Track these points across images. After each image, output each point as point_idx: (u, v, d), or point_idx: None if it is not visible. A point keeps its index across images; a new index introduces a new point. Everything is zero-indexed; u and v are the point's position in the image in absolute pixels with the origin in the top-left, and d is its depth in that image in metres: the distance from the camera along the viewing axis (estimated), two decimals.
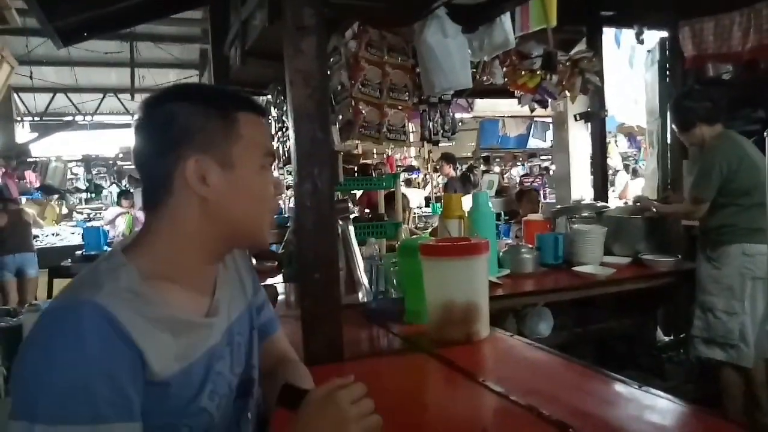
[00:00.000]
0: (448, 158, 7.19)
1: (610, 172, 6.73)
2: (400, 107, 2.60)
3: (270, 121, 3.84)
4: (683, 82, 3.66)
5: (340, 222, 1.93)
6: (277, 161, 3.91)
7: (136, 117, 0.84)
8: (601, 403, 1.21)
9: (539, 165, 10.45)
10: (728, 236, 2.48)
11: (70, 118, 10.68)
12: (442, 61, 2.38)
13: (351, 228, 2.05)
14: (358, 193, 4.54)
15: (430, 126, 3.04)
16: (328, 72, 2.40)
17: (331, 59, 2.50)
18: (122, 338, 0.70)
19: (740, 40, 3.22)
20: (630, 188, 8.34)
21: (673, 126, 2.80)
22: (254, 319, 0.99)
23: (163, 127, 0.81)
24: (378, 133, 2.51)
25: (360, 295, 2.00)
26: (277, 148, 3.78)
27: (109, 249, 0.88)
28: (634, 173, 9.10)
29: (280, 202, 9.63)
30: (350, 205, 3.38)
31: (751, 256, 2.43)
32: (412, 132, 2.77)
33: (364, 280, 2.01)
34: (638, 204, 3.00)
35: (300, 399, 0.78)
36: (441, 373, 1.46)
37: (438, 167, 7.48)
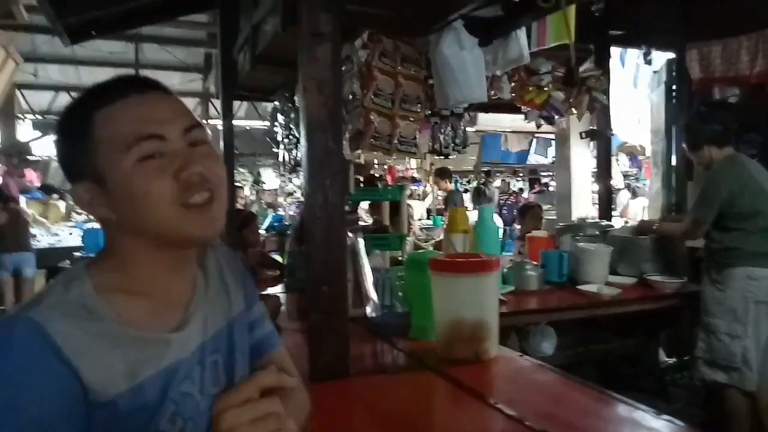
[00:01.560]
0: (442, 173, 6.89)
1: (612, 191, 6.73)
2: (411, 119, 2.57)
3: (276, 128, 3.81)
4: (690, 104, 3.66)
5: (350, 234, 1.90)
6: (283, 168, 3.87)
7: None
8: (618, 431, 1.18)
9: (515, 182, 10.20)
10: (733, 259, 2.47)
11: None
12: (458, 73, 2.37)
13: (360, 240, 2.02)
14: None
15: (441, 139, 3.02)
16: None
17: (343, 68, 2.48)
18: (54, 354, 0.66)
19: (748, 64, 3.22)
20: (630, 207, 8.34)
21: (684, 145, 2.81)
22: (237, 336, 0.92)
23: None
24: (389, 145, 2.48)
25: (368, 309, 1.96)
26: (283, 156, 3.75)
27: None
28: (634, 193, 9.11)
29: (280, 209, 9.59)
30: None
31: (756, 280, 2.42)
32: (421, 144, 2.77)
33: (373, 294, 1.97)
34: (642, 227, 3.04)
35: None
36: (449, 393, 1.43)
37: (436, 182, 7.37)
